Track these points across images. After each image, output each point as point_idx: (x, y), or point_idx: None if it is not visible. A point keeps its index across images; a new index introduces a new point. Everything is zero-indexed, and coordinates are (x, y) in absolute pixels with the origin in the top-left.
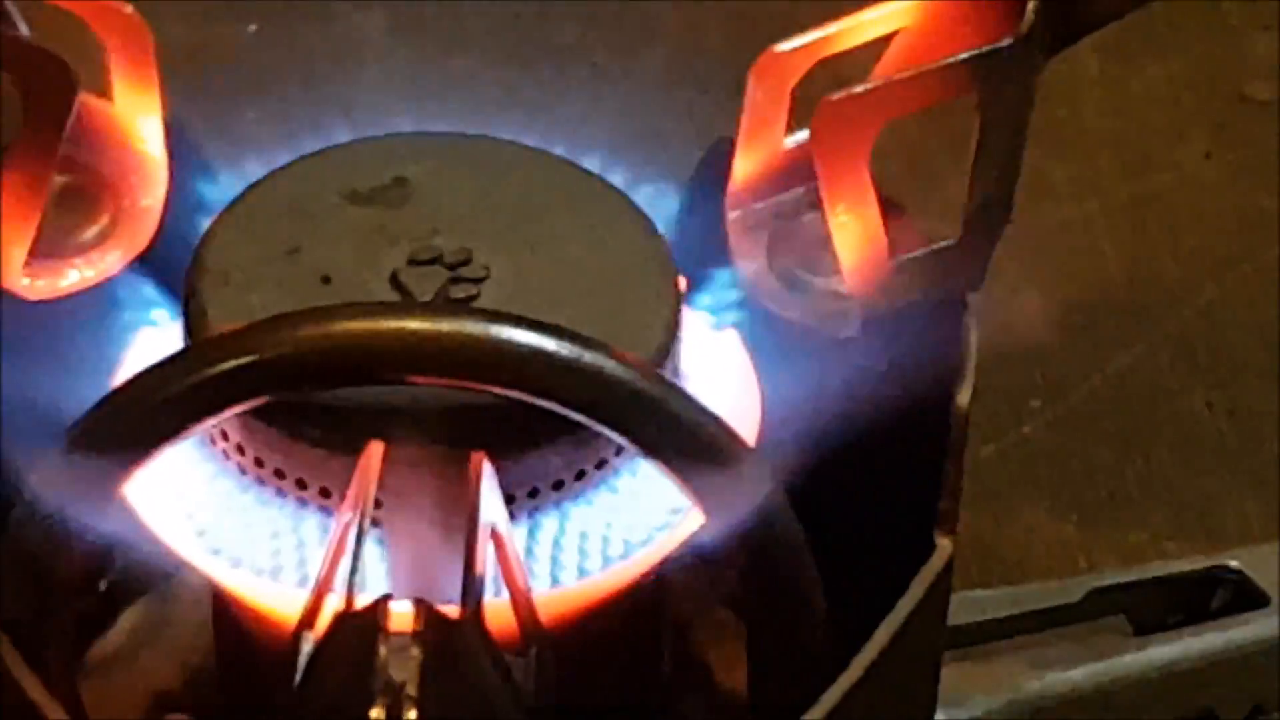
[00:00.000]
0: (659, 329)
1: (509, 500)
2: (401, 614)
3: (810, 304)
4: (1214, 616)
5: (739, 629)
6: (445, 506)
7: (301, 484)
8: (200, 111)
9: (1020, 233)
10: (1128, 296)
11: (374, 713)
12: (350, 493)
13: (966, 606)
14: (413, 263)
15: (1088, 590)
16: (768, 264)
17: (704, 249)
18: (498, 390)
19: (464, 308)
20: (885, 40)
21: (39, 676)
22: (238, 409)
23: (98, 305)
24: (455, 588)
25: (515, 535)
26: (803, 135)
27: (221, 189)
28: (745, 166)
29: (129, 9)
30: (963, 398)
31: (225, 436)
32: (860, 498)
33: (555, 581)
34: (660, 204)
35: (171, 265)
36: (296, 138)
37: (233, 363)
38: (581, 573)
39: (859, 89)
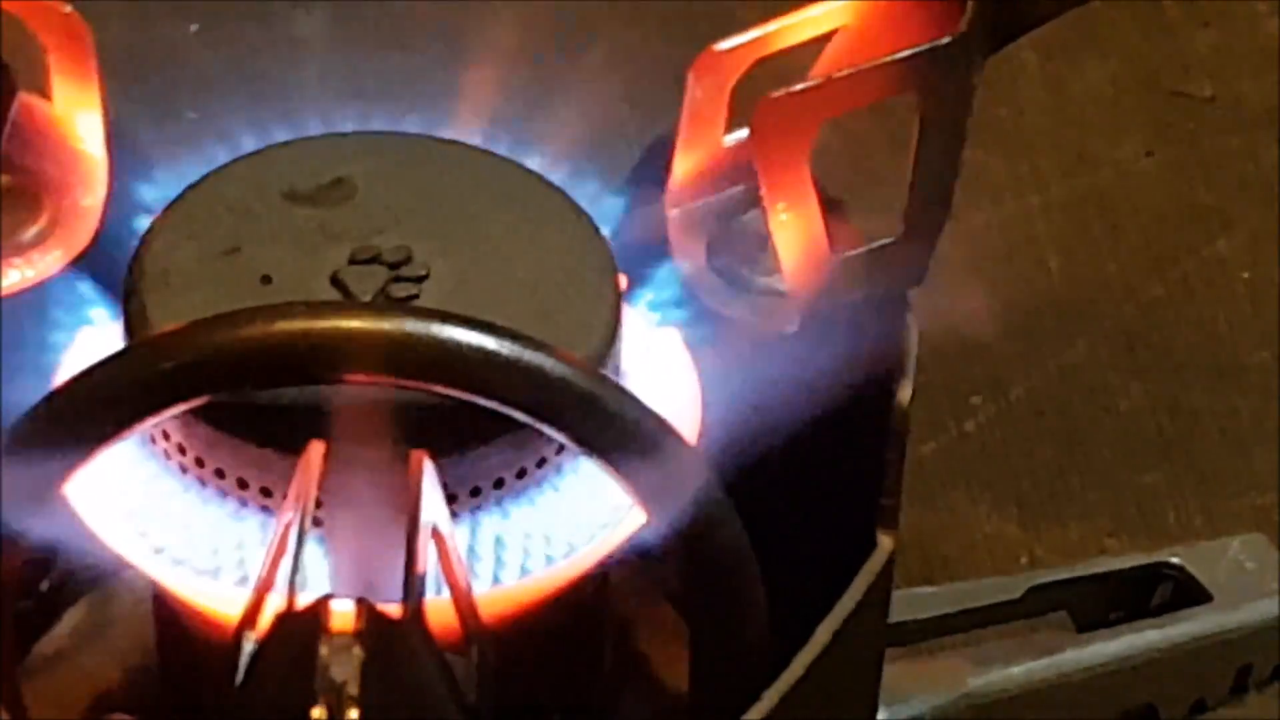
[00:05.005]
0: (599, 327)
1: (450, 499)
2: (343, 613)
3: (750, 302)
4: (1155, 613)
5: (680, 627)
6: (386, 506)
7: (242, 484)
8: (140, 111)
9: (961, 230)
10: (1068, 293)
11: (315, 712)
12: (291, 492)
13: (908, 604)
14: (353, 262)
15: (1029, 587)
16: (708, 262)
17: (644, 247)
18: (438, 389)
19: (405, 307)
20: (825, 39)
21: None
22: (178, 409)
23: (37, 305)
24: (396, 587)
25: (457, 534)
26: (743, 133)
27: (162, 189)
28: (685, 165)
29: (68, 8)
30: (903, 395)
31: (166, 436)
32: (802, 495)
33: (497, 580)
34: (600, 202)
35: (111, 265)
36: (237, 137)
37: (173, 362)
38: (523, 571)
39: (799, 87)
